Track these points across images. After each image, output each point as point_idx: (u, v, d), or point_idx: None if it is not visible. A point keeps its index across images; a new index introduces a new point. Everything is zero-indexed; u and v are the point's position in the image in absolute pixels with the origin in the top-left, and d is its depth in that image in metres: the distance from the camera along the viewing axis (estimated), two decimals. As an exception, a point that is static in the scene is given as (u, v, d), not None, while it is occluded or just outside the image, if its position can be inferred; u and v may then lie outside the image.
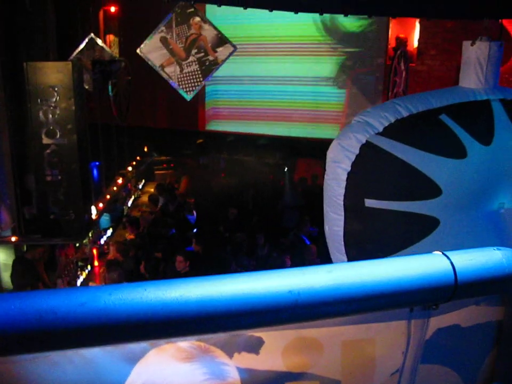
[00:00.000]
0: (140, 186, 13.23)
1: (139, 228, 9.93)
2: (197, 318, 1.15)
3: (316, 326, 1.41)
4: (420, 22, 11.30)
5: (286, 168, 12.84)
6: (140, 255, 9.10)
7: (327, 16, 11.98)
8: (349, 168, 3.59)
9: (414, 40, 11.77)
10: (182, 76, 7.24)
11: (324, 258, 8.71)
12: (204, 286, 1.17)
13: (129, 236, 9.83)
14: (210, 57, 7.30)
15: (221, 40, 7.34)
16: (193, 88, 7.31)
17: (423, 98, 3.71)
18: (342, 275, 1.26)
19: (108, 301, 1.11)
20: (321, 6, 3.82)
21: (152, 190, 12.58)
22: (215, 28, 7.30)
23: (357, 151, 3.57)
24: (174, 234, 9.61)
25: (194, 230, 9.79)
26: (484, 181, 3.66)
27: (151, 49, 7.17)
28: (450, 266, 1.36)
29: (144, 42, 7.23)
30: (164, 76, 7.30)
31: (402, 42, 11.08)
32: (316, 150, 12.77)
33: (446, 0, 3.92)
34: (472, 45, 3.81)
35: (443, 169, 3.55)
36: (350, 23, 12.33)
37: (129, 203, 12.06)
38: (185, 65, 7.22)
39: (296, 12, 4.06)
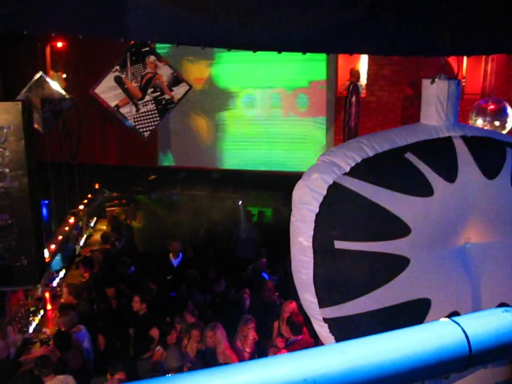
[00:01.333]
0: (92, 224, 12.90)
1: (93, 268, 9.61)
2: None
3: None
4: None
5: (240, 202, 12.78)
6: (94, 297, 8.80)
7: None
8: (317, 210, 3.52)
9: (361, 71, 12.02)
10: (138, 115, 7.07)
11: (282, 293, 8.64)
12: (212, 381, 1.05)
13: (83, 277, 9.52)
14: (167, 96, 7.17)
15: (177, 79, 7.23)
16: (150, 128, 7.16)
17: (388, 136, 3.70)
18: (356, 356, 1.16)
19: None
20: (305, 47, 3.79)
21: (105, 227, 12.30)
22: (171, 67, 7.20)
23: (324, 192, 3.52)
24: (132, 273, 9.33)
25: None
26: (450, 218, 3.67)
27: (105, 90, 6.98)
28: (463, 336, 1.29)
29: (97, 82, 7.04)
30: (119, 116, 7.12)
31: (354, 75, 11.30)
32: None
33: (403, 39, 3.96)
34: (432, 83, 3.85)
35: (411, 207, 3.54)
36: None
37: (81, 242, 11.73)
38: (141, 104, 7.06)
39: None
